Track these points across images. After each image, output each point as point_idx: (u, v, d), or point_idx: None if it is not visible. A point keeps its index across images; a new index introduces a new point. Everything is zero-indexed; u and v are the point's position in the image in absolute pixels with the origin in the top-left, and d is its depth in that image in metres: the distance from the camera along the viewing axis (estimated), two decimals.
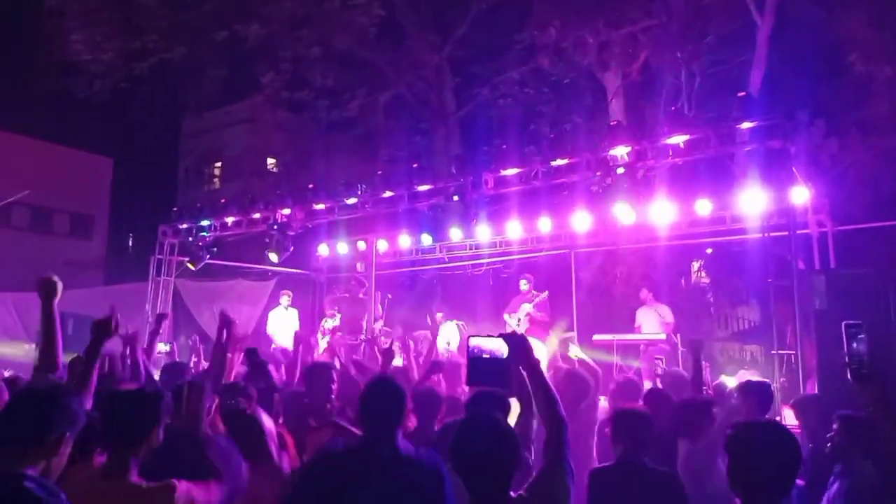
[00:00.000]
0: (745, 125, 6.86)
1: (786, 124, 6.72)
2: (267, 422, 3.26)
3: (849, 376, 2.67)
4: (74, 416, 2.21)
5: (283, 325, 11.15)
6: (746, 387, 4.36)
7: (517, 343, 2.45)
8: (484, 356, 2.41)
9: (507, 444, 2.20)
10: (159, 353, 6.71)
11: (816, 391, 5.64)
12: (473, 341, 2.45)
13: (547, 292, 10.22)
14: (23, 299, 11.37)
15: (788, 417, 5.96)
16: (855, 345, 2.67)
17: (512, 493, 2.19)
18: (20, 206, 18.04)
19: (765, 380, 5.05)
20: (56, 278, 3.24)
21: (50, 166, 19.37)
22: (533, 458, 2.86)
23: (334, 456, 2.62)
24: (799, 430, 5.19)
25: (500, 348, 2.41)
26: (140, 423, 2.54)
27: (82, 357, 3.15)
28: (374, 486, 2.47)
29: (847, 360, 2.66)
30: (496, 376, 2.45)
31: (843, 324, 2.71)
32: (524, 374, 2.50)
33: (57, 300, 3.23)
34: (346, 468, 2.53)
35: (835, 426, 3.64)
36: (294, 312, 11.46)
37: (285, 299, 11.43)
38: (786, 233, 7.13)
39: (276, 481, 3.02)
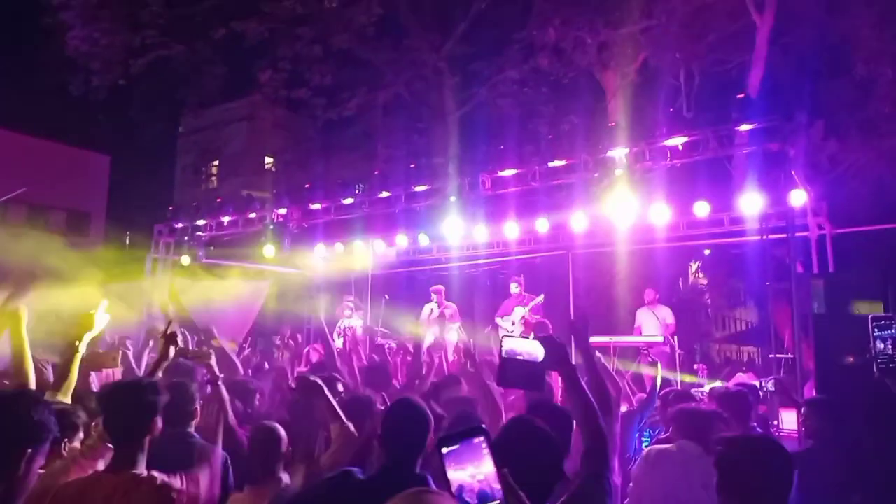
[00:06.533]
0: (744, 127, 6.82)
1: (785, 126, 6.68)
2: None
3: (875, 371, 2.67)
4: (35, 429, 1.94)
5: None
6: (723, 395, 4.23)
7: (554, 348, 2.35)
8: (518, 358, 2.32)
9: (550, 453, 2.06)
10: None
11: (815, 393, 5.61)
12: (508, 343, 2.34)
13: (542, 296, 10.11)
14: None
15: (785, 420, 5.94)
16: (881, 344, 2.68)
17: None
18: (17, 203, 17.95)
19: (743, 389, 4.75)
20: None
21: (47, 163, 19.29)
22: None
23: (354, 485, 2.46)
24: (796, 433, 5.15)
25: (536, 351, 2.32)
26: (139, 416, 2.42)
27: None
28: None
29: (873, 354, 2.64)
30: (530, 379, 2.35)
31: (869, 317, 2.73)
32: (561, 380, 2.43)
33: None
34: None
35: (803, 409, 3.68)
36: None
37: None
38: (784, 235, 7.09)
39: None
